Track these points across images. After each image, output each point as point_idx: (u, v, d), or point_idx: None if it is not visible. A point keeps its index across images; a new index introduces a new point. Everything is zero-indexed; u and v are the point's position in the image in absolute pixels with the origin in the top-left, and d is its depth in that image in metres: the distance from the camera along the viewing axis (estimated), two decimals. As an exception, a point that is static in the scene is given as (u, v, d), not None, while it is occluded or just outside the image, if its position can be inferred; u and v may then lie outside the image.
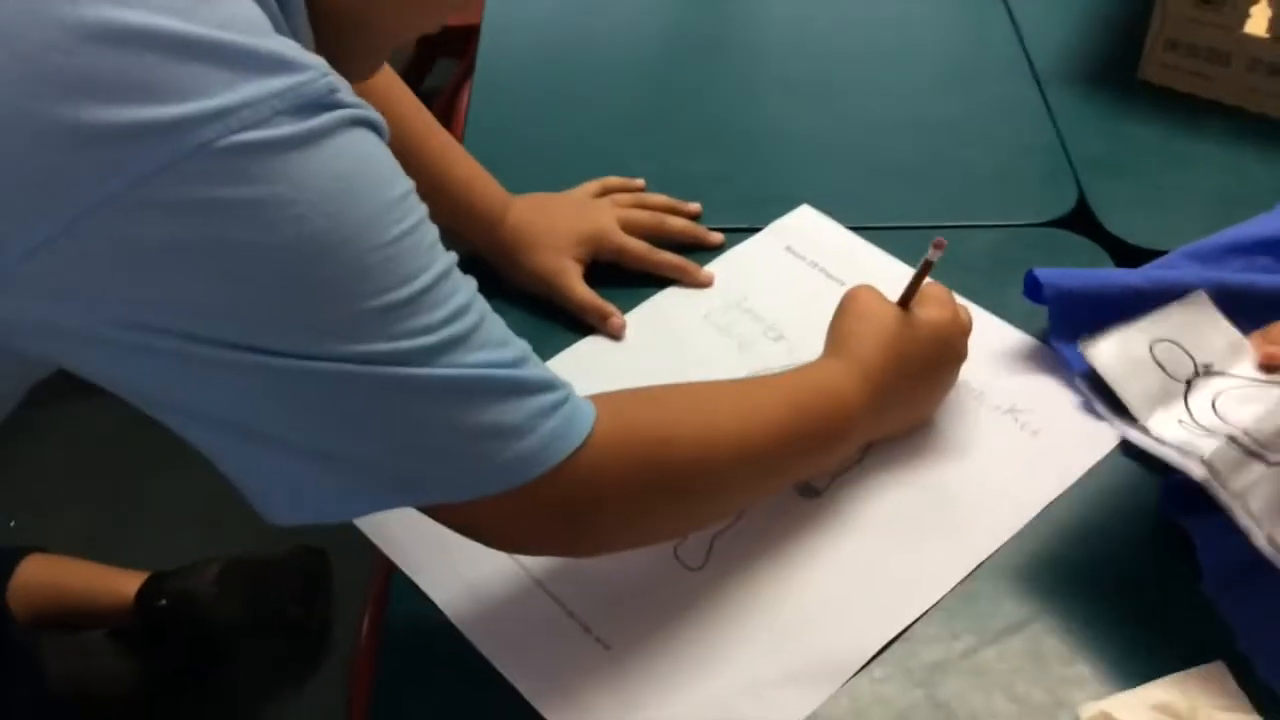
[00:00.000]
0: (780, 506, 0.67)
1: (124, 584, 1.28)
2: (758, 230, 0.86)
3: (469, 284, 0.49)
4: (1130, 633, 0.61)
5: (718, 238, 0.85)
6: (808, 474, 0.67)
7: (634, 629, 0.62)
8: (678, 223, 0.85)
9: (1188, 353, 0.70)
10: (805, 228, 0.86)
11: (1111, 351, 0.69)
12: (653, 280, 0.82)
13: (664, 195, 0.87)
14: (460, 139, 0.96)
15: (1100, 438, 0.70)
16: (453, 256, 0.48)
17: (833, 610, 0.62)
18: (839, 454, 0.65)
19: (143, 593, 1.26)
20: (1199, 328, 0.71)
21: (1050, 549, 0.65)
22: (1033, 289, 0.75)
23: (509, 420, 0.48)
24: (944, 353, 0.68)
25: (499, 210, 0.81)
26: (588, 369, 0.76)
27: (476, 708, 0.60)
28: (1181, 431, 0.66)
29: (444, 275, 0.46)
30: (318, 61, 0.43)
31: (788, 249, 0.85)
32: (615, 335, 0.78)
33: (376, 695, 0.61)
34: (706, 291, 0.81)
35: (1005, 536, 0.65)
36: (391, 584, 0.65)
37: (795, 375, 0.64)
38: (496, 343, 0.48)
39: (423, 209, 0.47)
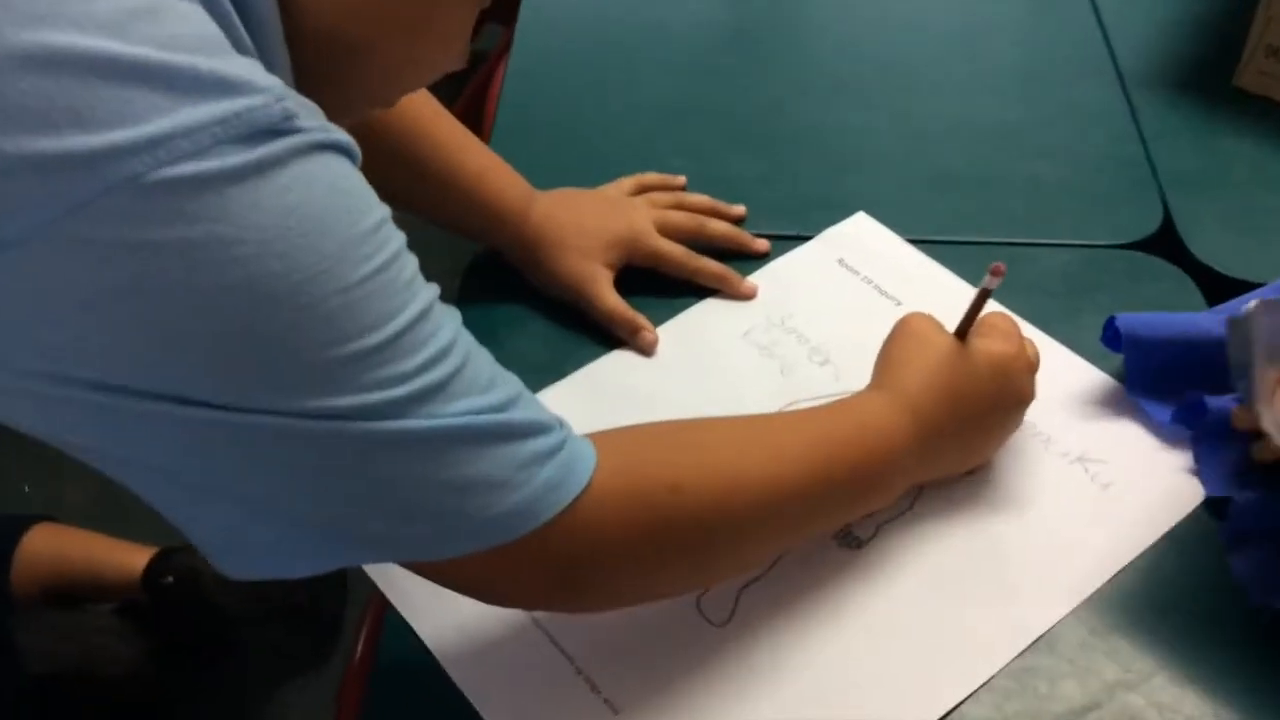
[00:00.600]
0: (817, 557, 0.60)
1: (132, 558, 1.24)
2: (806, 239, 0.79)
3: (451, 319, 0.43)
4: (1207, 728, 0.54)
5: (763, 245, 0.78)
6: (842, 523, 0.61)
7: (646, 690, 0.55)
8: (720, 226, 0.78)
9: None
10: (861, 238, 0.79)
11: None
12: (690, 290, 0.75)
13: (705, 196, 0.80)
14: (492, 120, 0.90)
15: (1182, 496, 0.63)
16: (433, 291, 0.42)
17: (871, 680, 0.56)
18: (879, 501, 0.59)
19: (150, 569, 1.22)
20: None
21: (1123, 624, 0.58)
22: (1112, 336, 0.67)
23: (495, 473, 0.42)
24: (1005, 392, 0.61)
25: (521, 205, 0.74)
26: (612, 387, 0.70)
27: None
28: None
29: (422, 316, 0.41)
30: (272, 83, 0.37)
31: (840, 261, 0.77)
32: (646, 350, 0.72)
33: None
34: (748, 306, 0.75)
35: (1069, 607, 0.58)
36: (389, 608, 0.60)
37: (833, 410, 0.58)
38: (481, 387, 0.43)
39: (399, 240, 0.41)
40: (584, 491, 0.45)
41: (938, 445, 0.59)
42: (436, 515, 0.42)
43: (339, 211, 0.38)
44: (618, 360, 0.72)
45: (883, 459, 0.56)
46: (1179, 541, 0.61)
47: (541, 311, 0.75)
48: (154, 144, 0.34)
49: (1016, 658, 0.56)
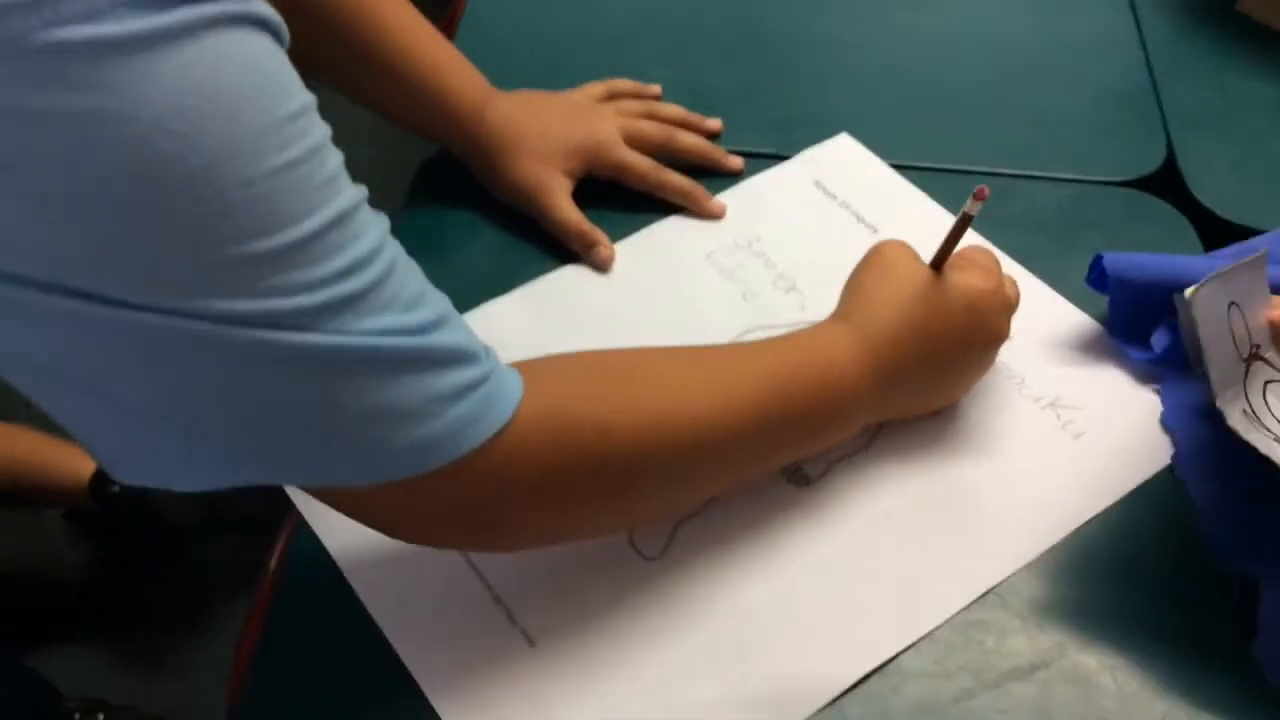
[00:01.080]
0: (763, 493, 0.57)
1: (82, 464, 1.21)
2: (784, 159, 0.74)
3: (377, 226, 0.38)
4: (1163, 691, 0.50)
5: (736, 162, 0.73)
6: (789, 462, 0.57)
7: (567, 623, 0.52)
8: (691, 140, 0.73)
9: (1247, 325, 0.56)
10: (842, 161, 0.74)
11: (1209, 303, 0.54)
12: (654, 206, 0.71)
13: (679, 107, 0.75)
14: (460, 12, 0.84)
15: (1154, 452, 0.59)
16: (358, 193, 0.38)
17: (809, 625, 0.52)
18: (831, 440, 0.55)
19: (97, 476, 1.19)
20: (1254, 297, 0.57)
21: (1075, 581, 0.54)
22: (1098, 277, 0.63)
23: (405, 402, 0.38)
24: (978, 330, 0.56)
25: (477, 104, 0.69)
26: (561, 303, 0.65)
27: (365, 690, 0.51)
28: (1245, 421, 0.54)
29: (340, 220, 0.36)
30: None
31: (817, 184, 0.73)
32: (601, 267, 0.67)
33: (264, 643, 0.53)
34: (714, 226, 0.70)
35: (1023, 560, 0.55)
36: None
37: (788, 342, 0.53)
38: (405, 304, 0.38)
39: (321, 133, 0.37)
40: (504, 429, 0.41)
41: (899, 384, 0.54)
42: (337, 441, 0.38)
43: (251, 93, 0.34)
44: (570, 275, 0.67)
45: (838, 397, 0.52)
46: (1144, 498, 0.57)
47: (494, 220, 0.70)
48: (41, 1, 0.29)
49: (963, 610, 0.53)
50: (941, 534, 0.55)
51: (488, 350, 0.43)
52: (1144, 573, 0.54)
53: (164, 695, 1.24)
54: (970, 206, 0.52)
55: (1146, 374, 0.61)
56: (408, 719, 0.50)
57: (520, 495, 0.44)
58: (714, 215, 0.71)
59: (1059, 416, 0.60)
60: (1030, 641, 0.52)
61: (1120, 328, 0.62)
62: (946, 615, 0.53)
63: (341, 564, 0.54)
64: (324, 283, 0.36)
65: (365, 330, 0.37)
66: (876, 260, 0.56)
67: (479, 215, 0.70)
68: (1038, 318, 0.64)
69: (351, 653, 0.52)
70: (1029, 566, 0.54)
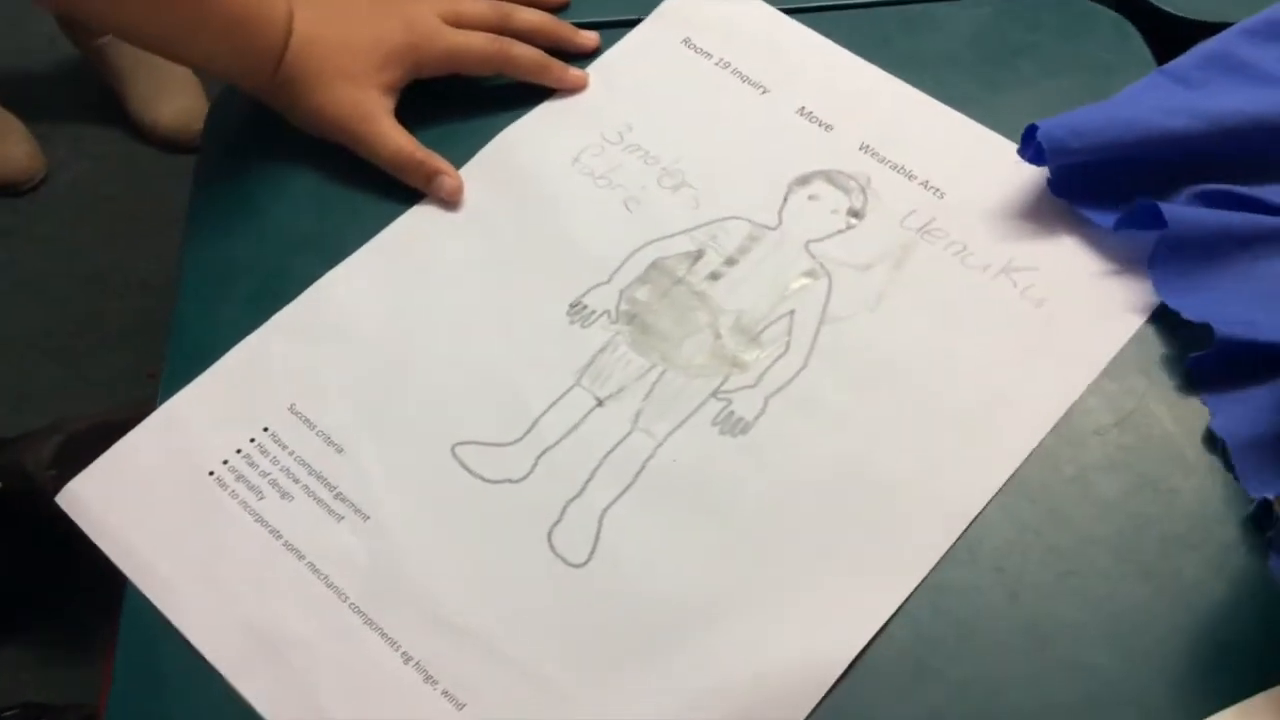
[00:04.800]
0: (695, 451, 0.47)
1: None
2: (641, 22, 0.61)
3: None
4: (1177, 639, 0.44)
5: (591, 38, 0.60)
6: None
7: (495, 673, 0.43)
8: (532, 16, 0.59)
9: None
10: (709, 8, 0.61)
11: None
12: (493, 107, 0.58)
13: (508, -23, 0.61)
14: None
15: (1123, 314, 0.50)
16: None
17: (789, 602, 0.44)
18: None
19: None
20: None
21: (1058, 510, 0.47)
22: (1033, 150, 0.52)
23: None
24: None
25: (277, 31, 0.55)
26: (418, 259, 0.53)
27: None
28: None
29: None
30: None
31: (686, 43, 0.60)
32: (450, 201, 0.55)
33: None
34: (575, 122, 0.57)
35: (1016, 462, 0.47)
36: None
37: None
38: None
39: None
40: None
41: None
42: None
43: None
44: (416, 221, 0.55)
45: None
46: (1117, 380, 0.49)
47: (307, 164, 0.57)
48: None
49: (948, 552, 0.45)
50: (913, 460, 0.47)
51: None
52: (1126, 481, 0.47)
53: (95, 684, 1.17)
54: None
55: (1110, 233, 0.52)
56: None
57: None
58: (576, 87, 0.59)
59: (1015, 283, 0.52)
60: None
61: (1066, 191, 0.53)
62: (942, 551, 0.45)
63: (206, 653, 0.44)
64: None
65: None
66: None
67: (286, 164, 0.57)
68: (971, 164, 0.55)
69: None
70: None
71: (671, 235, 0.53)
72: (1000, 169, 0.54)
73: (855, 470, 0.47)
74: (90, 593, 1.16)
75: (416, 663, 0.43)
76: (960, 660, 0.43)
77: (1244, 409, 0.46)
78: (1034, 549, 0.45)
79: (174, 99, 1.48)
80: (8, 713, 1.09)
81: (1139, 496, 0.46)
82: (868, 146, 0.55)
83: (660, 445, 0.47)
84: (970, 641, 0.43)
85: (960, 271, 0.52)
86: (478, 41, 0.57)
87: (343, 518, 0.46)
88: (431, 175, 0.55)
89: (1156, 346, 0.49)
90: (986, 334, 0.50)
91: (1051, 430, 0.47)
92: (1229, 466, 0.46)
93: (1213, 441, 0.47)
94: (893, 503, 0.46)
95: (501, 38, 0.58)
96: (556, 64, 0.58)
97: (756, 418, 0.48)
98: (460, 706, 0.42)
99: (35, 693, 1.12)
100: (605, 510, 0.46)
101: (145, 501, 0.47)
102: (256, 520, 0.47)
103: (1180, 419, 0.48)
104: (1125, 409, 0.48)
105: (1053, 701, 0.42)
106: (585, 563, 0.45)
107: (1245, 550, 0.45)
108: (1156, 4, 0.59)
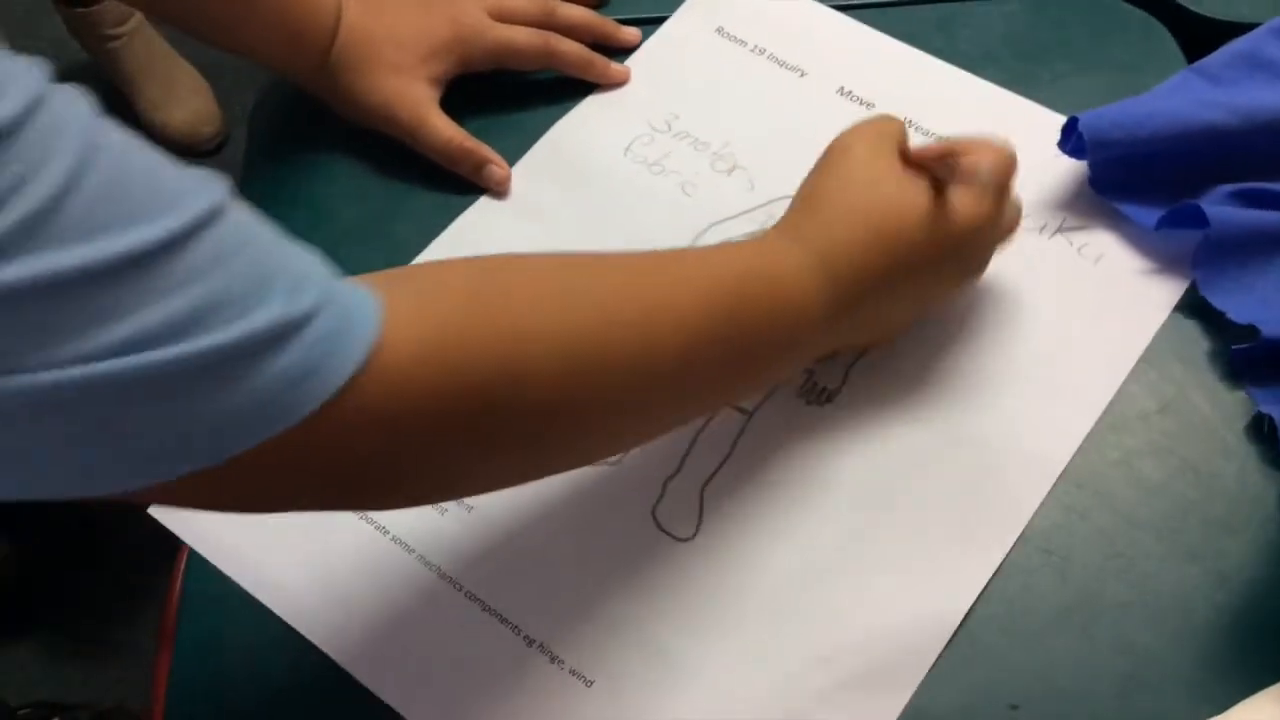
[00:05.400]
0: (781, 424, 0.48)
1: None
2: (678, 16, 0.62)
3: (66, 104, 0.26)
4: (1220, 620, 0.45)
5: (632, 34, 0.61)
6: (733, 402, 0.49)
7: (618, 650, 0.44)
8: (575, 12, 0.60)
9: None
10: (735, -1, 0.62)
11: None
12: (540, 99, 0.59)
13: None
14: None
15: (1173, 260, 0.51)
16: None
17: (890, 567, 0.45)
18: (775, 377, 0.47)
19: None
20: None
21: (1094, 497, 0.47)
22: (1074, 142, 0.53)
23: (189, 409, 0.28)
24: (957, 262, 0.46)
25: (328, 20, 0.55)
26: (486, 249, 0.54)
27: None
28: None
29: None
30: None
31: (720, 32, 0.61)
32: (498, 191, 0.56)
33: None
34: (623, 114, 0.59)
35: (1097, 413, 0.48)
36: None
37: (729, 254, 0.44)
38: (133, 206, 0.26)
39: None
40: (362, 374, 0.30)
41: (858, 317, 0.45)
42: (111, 455, 0.28)
43: None
44: (481, 215, 0.55)
45: (788, 332, 0.42)
46: (1157, 368, 0.50)
47: (354, 156, 0.58)
48: None
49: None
50: (997, 418, 0.48)
51: (311, 260, 0.31)
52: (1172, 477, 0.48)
53: (110, 683, 1.17)
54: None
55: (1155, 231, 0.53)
56: None
57: (398, 458, 0.33)
58: (620, 81, 0.59)
59: (1071, 242, 0.52)
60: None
61: (1109, 188, 0.53)
62: (1035, 505, 0.46)
63: (300, 626, 0.45)
64: None
65: (68, 270, 0.25)
66: (842, 163, 0.45)
67: (334, 153, 0.58)
68: (1015, 134, 0.55)
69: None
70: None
71: (733, 217, 0.54)
72: (1044, 138, 0.54)
73: (940, 431, 0.48)
74: (103, 594, 1.18)
75: (540, 645, 0.44)
76: (1009, 639, 0.44)
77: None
78: (1080, 531, 0.46)
79: (184, 102, 1.49)
80: (21, 711, 1.09)
81: (1181, 480, 0.47)
82: (911, 121, 0.56)
83: (750, 419, 0.48)
84: (1018, 621, 0.44)
85: (1017, 233, 0.53)
86: (523, 36, 0.58)
87: (446, 510, 0.47)
88: (480, 164, 0.56)
89: (1193, 334, 0.50)
90: (1050, 289, 0.51)
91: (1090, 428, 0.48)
92: (1275, 447, 0.47)
93: (1256, 429, 0.48)
94: (982, 459, 0.47)
95: (546, 32, 0.58)
96: (600, 59, 0.59)
97: (840, 386, 0.49)
98: (589, 683, 0.43)
99: (48, 692, 1.13)
100: (705, 485, 0.47)
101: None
102: (361, 518, 0.47)
103: (1220, 405, 0.49)
104: (1166, 395, 0.49)
105: (1098, 680, 0.43)
106: (692, 537, 0.46)
107: (1286, 534, 0.46)
108: (1185, 4, 0.61)
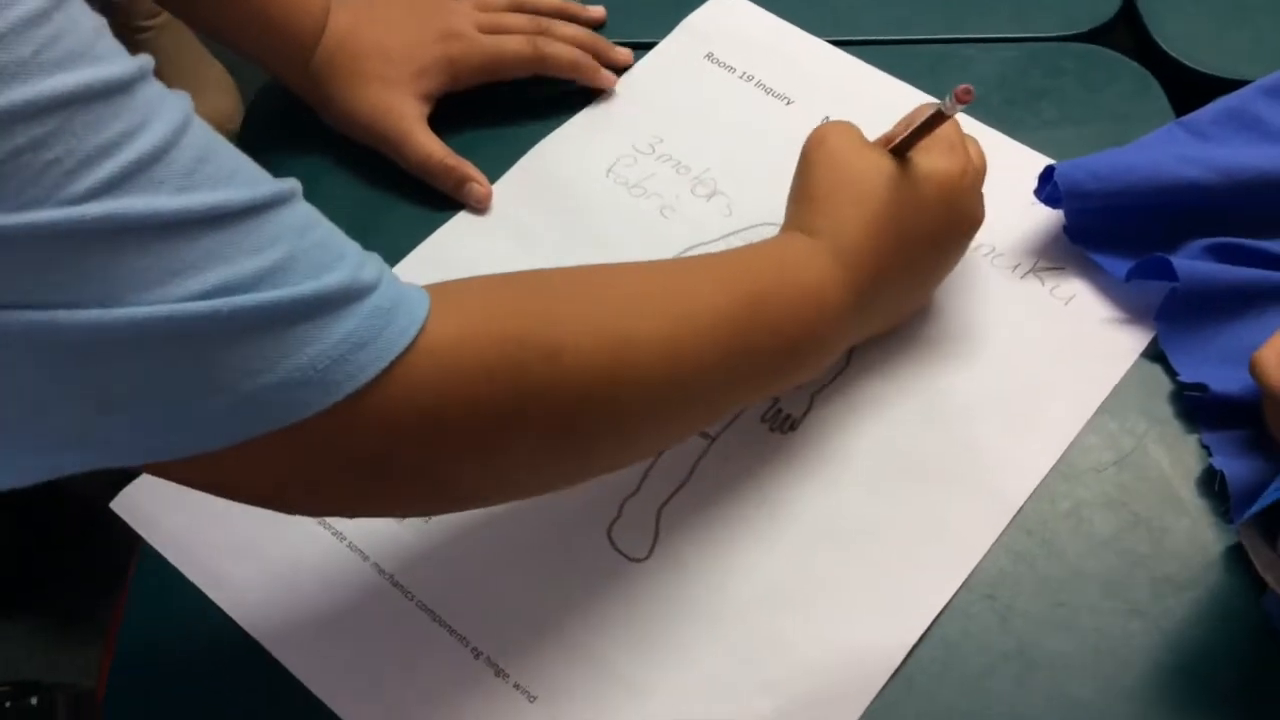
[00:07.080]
0: (744, 450, 0.49)
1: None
2: (672, 41, 0.63)
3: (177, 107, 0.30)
4: (1161, 677, 0.44)
5: (624, 55, 0.62)
6: (764, 396, 0.49)
7: (563, 667, 0.44)
8: (569, 29, 0.61)
9: None
10: (729, 24, 0.63)
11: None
12: (527, 116, 0.60)
13: (551, -7, 0.63)
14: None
15: (1145, 308, 0.52)
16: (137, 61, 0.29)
17: (839, 597, 0.46)
18: (807, 373, 0.46)
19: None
20: None
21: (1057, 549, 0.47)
22: (1051, 191, 0.53)
23: (248, 361, 0.29)
24: (955, 220, 0.48)
25: (313, 23, 0.57)
26: (465, 272, 0.54)
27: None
28: None
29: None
30: None
31: (709, 58, 0.62)
32: (478, 207, 0.57)
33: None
34: (608, 134, 0.59)
35: (1055, 456, 0.48)
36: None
37: (748, 254, 0.44)
38: (221, 174, 0.30)
39: None
40: (407, 353, 0.32)
41: (881, 298, 0.46)
42: (146, 401, 0.29)
43: None
44: (459, 229, 0.56)
45: (813, 319, 0.43)
46: (1118, 419, 0.50)
47: (339, 167, 0.58)
48: None
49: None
50: (957, 453, 0.48)
51: (358, 251, 0.33)
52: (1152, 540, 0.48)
53: (96, 665, 1.18)
54: (949, 106, 0.42)
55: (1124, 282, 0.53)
56: None
57: (441, 439, 0.34)
58: (607, 85, 0.60)
59: (1043, 282, 0.53)
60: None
61: (1082, 238, 0.54)
62: (987, 546, 0.46)
63: (248, 626, 0.46)
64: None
65: (153, 211, 0.27)
66: (823, 155, 0.47)
67: (321, 161, 0.59)
68: (996, 171, 0.55)
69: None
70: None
71: (709, 241, 0.55)
72: (1025, 179, 0.55)
73: (902, 463, 0.48)
74: (89, 575, 1.18)
75: (486, 657, 0.44)
76: (945, 682, 0.44)
77: (1239, 447, 0.47)
78: (1026, 579, 0.46)
79: (208, 99, 1.50)
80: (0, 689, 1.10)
81: (1132, 534, 0.47)
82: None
83: (712, 443, 0.49)
84: (957, 665, 0.44)
85: (990, 272, 0.53)
86: (512, 44, 0.59)
87: (403, 521, 0.48)
88: (461, 181, 0.56)
89: (1159, 383, 0.50)
90: (1020, 327, 0.51)
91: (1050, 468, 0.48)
92: (1225, 502, 0.47)
93: (1208, 483, 0.48)
94: (941, 493, 0.47)
95: (536, 37, 0.59)
96: (589, 60, 0.60)
97: (804, 414, 0.49)
98: (533, 699, 0.44)
99: (31, 671, 1.13)
100: (662, 506, 0.47)
101: (205, 506, 0.48)
102: (319, 523, 0.48)
103: (1178, 459, 0.49)
104: (1125, 448, 0.49)
105: (1034, 729, 0.43)
106: (646, 558, 0.46)
107: (1232, 594, 0.45)
108: (1178, 58, 0.61)
